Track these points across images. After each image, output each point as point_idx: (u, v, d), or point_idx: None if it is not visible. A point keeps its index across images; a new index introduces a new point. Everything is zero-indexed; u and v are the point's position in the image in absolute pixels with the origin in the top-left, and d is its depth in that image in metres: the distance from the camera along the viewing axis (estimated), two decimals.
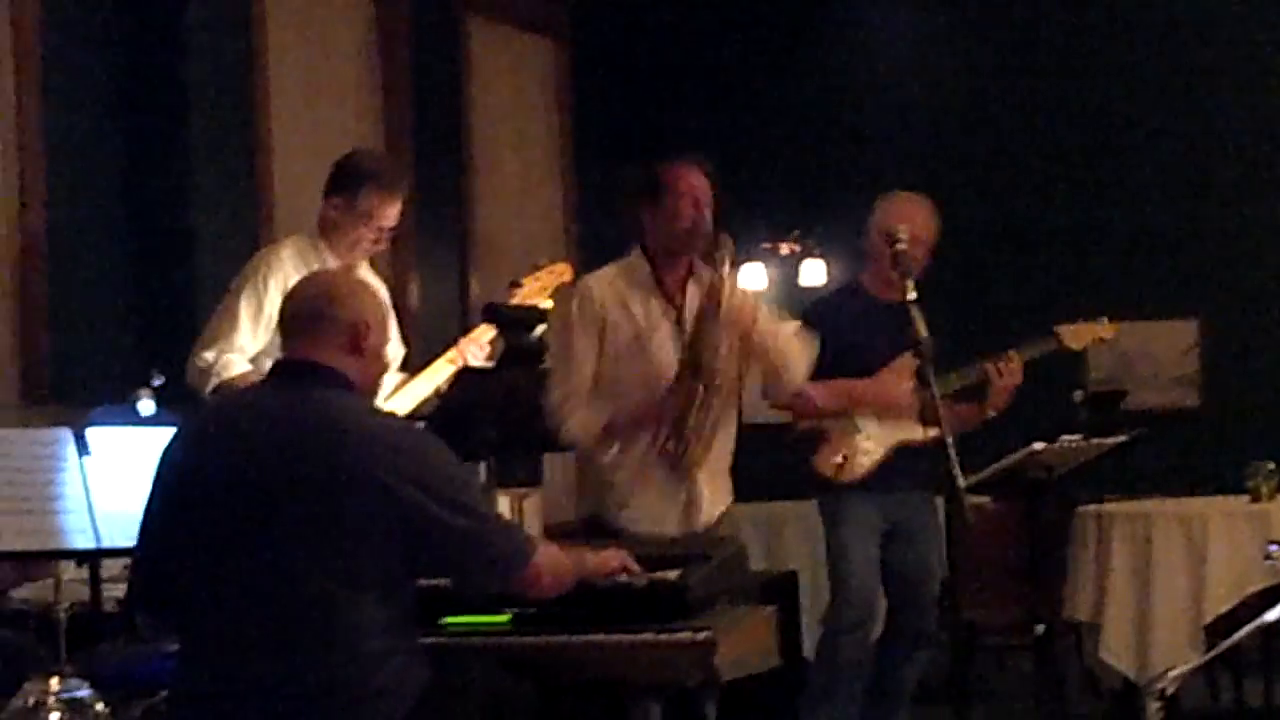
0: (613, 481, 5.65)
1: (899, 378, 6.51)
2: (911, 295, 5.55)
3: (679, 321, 5.64)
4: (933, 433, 6.51)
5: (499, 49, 10.02)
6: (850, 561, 6.65)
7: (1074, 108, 10.43)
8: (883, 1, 10.85)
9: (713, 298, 5.54)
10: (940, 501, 6.77)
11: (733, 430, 5.77)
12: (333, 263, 5.78)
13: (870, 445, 6.66)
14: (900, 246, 5.74)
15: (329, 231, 5.90)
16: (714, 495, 5.69)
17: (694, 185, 5.67)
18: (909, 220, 6.55)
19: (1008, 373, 6.57)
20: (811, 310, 7.16)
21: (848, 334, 6.63)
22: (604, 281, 5.73)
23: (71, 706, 2.13)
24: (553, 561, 4.14)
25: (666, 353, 5.60)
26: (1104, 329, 7.04)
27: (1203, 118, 10.23)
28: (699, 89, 10.84)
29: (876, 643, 6.77)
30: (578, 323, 5.64)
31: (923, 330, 5.54)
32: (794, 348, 5.79)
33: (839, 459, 6.62)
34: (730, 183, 10.48)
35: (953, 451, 5.23)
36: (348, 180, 5.90)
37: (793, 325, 5.92)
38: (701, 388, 5.48)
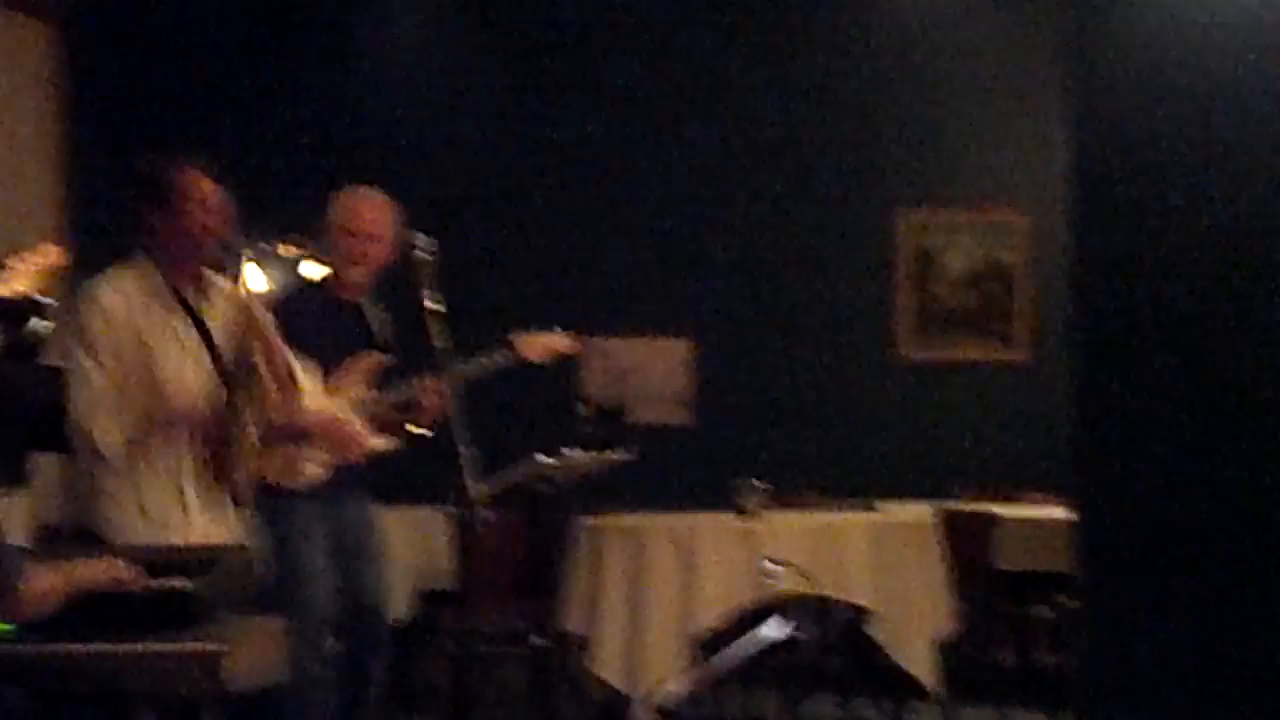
0: (105, 490, 5.44)
1: (346, 381, 6.43)
2: (438, 306, 5.46)
3: (203, 333, 5.45)
4: (386, 444, 6.50)
5: None
6: (302, 578, 6.35)
7: (571, 124, 10.53)
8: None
9: (243, 313, 5.37)
10: (425, 511, 6.73)
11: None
12: None
13: (317, 451, 6.38)
14: (421, 257, 5.65)
15: None
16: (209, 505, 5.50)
17: (206, 192, 5.45)
18: (371, 221, 6.51)
19: (433, 392, 6.35)
20: (277, 307, 7.03)
21: (308, 332, 6.46)
22: (111, 289, 5.44)
23: None
24: (38, 583, 4.02)
25: (191, 364, 5.40)
26: (562, 341, 6.93)
27: (692, 146, 10.44)
28: (198, 79, 10.62)
29: (346, 651, 6.61)
30: (87, 333, 5.37)
31: (441, 339, 5.44)
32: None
33: (282, 466, 6.41)
34: (230, 179, 10.41)
35: (466, 461, 5.18)
36: None
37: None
38: (244, 405, 5.32)
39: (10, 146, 9.88)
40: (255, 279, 10.01)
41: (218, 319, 5.49)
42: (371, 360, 6.47)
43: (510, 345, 6.76)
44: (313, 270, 9.82)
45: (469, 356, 6.53)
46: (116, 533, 5.34)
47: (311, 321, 6.47)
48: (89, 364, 5.35)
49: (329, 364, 6.40)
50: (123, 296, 5.42)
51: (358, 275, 6.54)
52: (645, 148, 10.47)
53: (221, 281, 5.52)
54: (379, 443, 6.46)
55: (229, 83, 10.64)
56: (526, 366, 6.81)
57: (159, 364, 5.37)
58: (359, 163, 9.77)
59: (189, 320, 5.45)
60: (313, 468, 6.33)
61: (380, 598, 6.65)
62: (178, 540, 5.31)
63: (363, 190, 6.64)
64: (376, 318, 6.55)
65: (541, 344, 6.86)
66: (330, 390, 6.38)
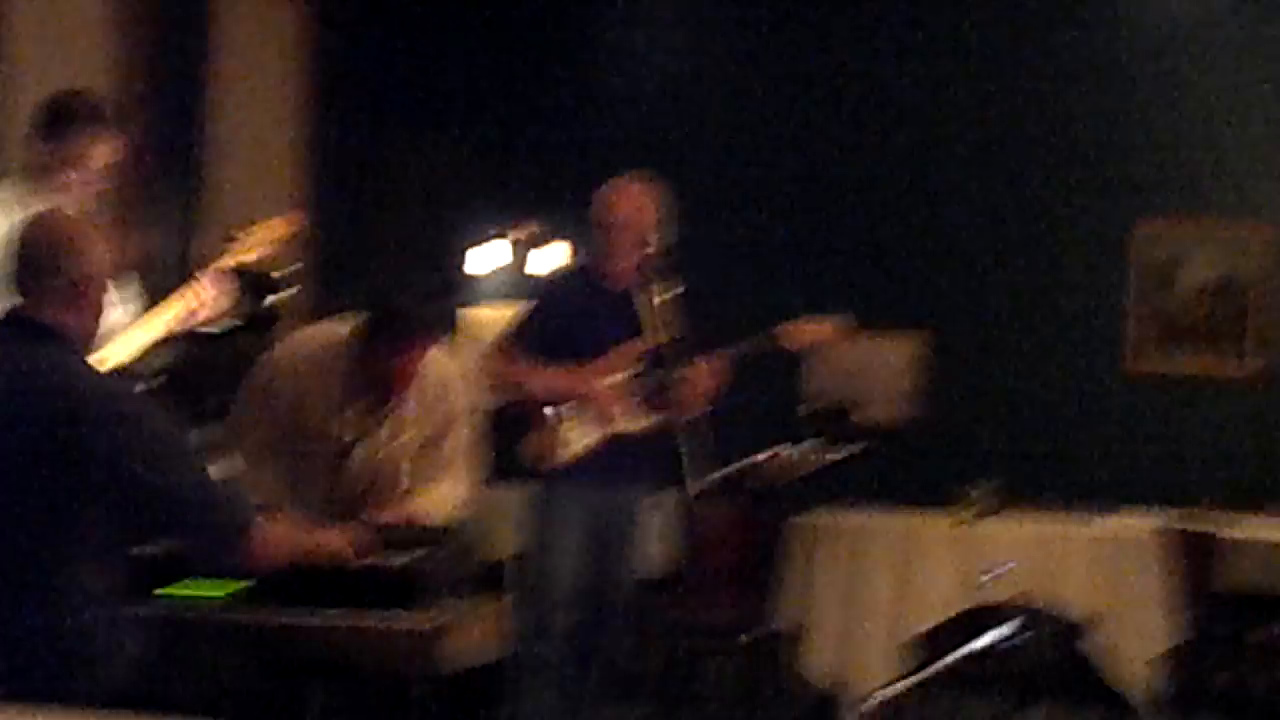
0: None
1: (612, 368, 6.49)
2: (666, 297, 5.49)
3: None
4: (643, 424, 6.55)
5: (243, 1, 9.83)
6: (554, 555, 6.56)
7: (815, 109, 10.47)
8: None
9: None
10: (657, 499, 6.77)
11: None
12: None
13: (579, 433, 6.56)
14: (649, 251, 5.69)
15: (39, 176, 5.58)
16: None
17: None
18: (622, 210, 6.56)
19: (695, 377, 6.44)
20: (540, 290, 7.13)
21: (572, 317, 6.58)
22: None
23: None
24: (273, 534, 4.09)
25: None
26: (825, 329, 6.95)
27: (939, 135, 10.34)
28: (447, 61, 10.72)
29: (576, 634, 6.69)
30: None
31: (674, 330, 5.48)
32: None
33: (544, 445, 6.52)
34: (475, 160, 10.51)
35: (693, 453, 5.19)
36: (53, 123, 5.61)
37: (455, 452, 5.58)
38: None
39: (263, 125, 10.06)
40: (499, 256, 10.22)
41: None
42: (635, 347, 6.53)
43: (774, 333, 6.80)
44: (558, 253, 9.96)
45: (731, 344, 6.58)
46: None
47: (575, 308, 6.58)
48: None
49: (594, 350, 6.50)
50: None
51: (619, 263, 6.60)
52: (883, 144, 10.38)
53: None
54: (638, 424, 6.53)
55: (474, 64, 10.73)
56: (786, 353, 6.84)
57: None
58: (603, 145, 9.85)
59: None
60: (573, 448, 6.42)
61: (625, 586, 6.73)
62: None
63: (623, 181, 6.70)
64: (644, 306, 6.59)
65: (806, 332, 6.89)
66: (594, 374, 6.47)
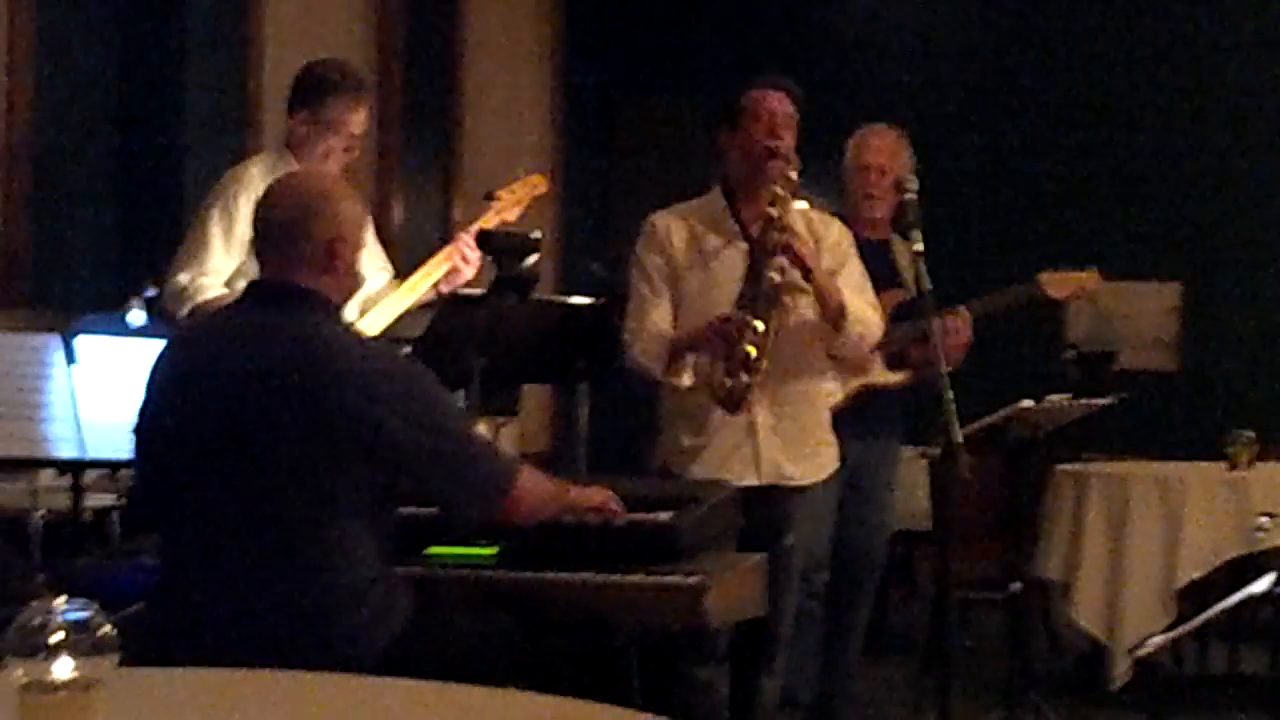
0: (677, 433, 5.55)
1: None
2: (918, 247, 5.44)
3: (750, 253, 5.43)
4: (898, 378, 6.49)
5: None
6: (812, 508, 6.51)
7: (1070, 61, 10.37)
8: None
9: (766, 230, 5.34)
10: (905, 451, 6.72)
11: (820, 386, 5.66)
12: None
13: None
14: (906, 196, 5.65)
15: (299, 146, 5.75)
16: (789, 453, 5.56)
17: (774, 109, 5.45)
18: (878, 154, 6.51)
19: (952, 330, 6.31)
20: None
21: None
22: (672, 217, 5.58)
23: (78, 628, 2.09)
24: (535, 488, 4.09)
25: (733, 286, 5.40)
26: (1087, 278, 6.81)
27: (1196, 83, 10.18)
28: (689, 22, 10.75)
29: (826, 589, 6.64)
30: (645, 260, 5.52)
31: (925, 281, 5.45)
32: (854, 305, 5.52)
33: None
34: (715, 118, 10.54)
35: (950, 404, 5.14)
36: (311, 92, 5.76)
37: (858, 284, 5.64)
38: (760, 323, 5.25)
39: (515, 92, 10.17)
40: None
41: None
42: (894, 296, 6.48)
43: (1037, 282, 6.72)
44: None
45: (990, 293, 6.53)
46: (680, 465, 5.50)
47: None
48: (641, 289, 5.51)
49: None
50: (683, 225, 5.54)
51: (876, 210, 6.56)
52: (1137, 89, 10.25)
53: (800, 205, 5.57)
54: (893, 377, 6.48)
55: (717, 23, 10.74)
56: (1048, 305, 6.78)
57: (705, 293, 5.44)
58: (845, 102, 9.78)
59: (746, 248, 5.48)
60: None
61: (878, 540, 6.69)
62: (743, 471, 5.42)
63: (876, 127, 6.68)
64: (901, 254, 6.54)
65: (1069, 280, 6.80)
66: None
